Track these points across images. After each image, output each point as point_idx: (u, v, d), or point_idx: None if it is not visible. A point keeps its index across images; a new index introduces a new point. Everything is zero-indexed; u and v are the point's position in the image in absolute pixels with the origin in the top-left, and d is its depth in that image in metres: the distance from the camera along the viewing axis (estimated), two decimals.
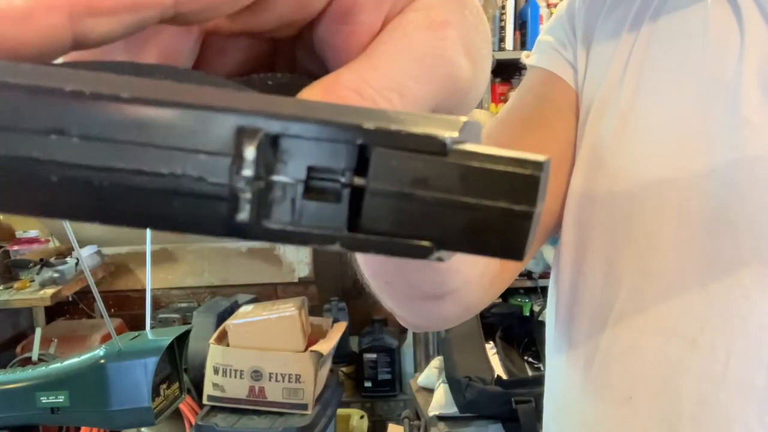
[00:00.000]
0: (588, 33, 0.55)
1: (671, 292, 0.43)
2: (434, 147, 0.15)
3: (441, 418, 1.63)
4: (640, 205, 0.47)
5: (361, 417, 2.71)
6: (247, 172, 0.16)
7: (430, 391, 1.81)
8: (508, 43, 2.96)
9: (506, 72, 3.07)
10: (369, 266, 0.44)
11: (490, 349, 2.29)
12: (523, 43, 2.97)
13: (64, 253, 2.98)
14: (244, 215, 0.16)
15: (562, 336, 0.52)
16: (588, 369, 0.48)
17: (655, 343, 0.44)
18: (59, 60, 0.18)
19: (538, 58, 0.62)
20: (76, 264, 2.75)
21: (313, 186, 0.16)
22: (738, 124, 0.42)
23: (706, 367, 0.41)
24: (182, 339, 1.24)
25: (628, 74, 0.50)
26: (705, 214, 0.41)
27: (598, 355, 0.48)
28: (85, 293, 3.10)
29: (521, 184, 0.16)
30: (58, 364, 1.17)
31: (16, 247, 2.96)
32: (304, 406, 2.08)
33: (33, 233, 3.09)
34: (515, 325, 1.96)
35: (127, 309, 3.22)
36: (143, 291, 1.28)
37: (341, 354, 2.75)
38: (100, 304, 1.14)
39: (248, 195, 0.16)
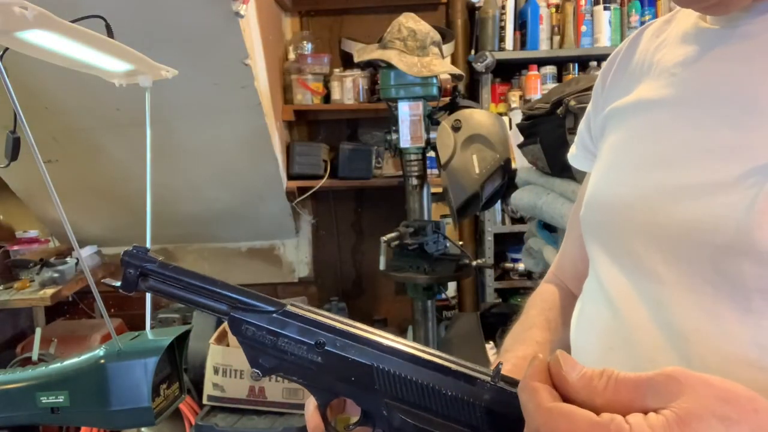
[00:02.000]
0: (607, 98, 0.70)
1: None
2: None
3: None
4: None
5: None
6: None
7: None
8: (508, 43, 2.96)
9: (506, 72, 3.08)
10: None
11: (490, 349, 2.28)
12: (523, 43, 2.97)
13: (64, 253, 2.98)
14: None
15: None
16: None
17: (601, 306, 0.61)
18: None
19: (570, 156, 0.80)
20: (76, 264, 2.74)
21: None
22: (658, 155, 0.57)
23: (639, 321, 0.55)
24: (182, 339, 1.23)
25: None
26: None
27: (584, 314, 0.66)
28: (85, 293, 3.10)
29: None
30: (58, 364, 1.17)
31: (16, 247, 2.96)
32: (305, 406, 2.08)
33: (33, 233, 3.09)
34: None
35: (127, 309, 3.22)
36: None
37: None
38: (100, 304, 1.14)
39: None
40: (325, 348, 0.46)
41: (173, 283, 0.49)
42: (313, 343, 0.46)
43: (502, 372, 0.44)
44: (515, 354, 0.69)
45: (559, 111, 1.56)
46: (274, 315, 0.47)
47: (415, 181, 2.39)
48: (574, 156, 0.80)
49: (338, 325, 0.47)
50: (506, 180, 2.17)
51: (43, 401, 1.13)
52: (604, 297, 0.61)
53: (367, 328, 0.47)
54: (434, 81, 2.29)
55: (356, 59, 2.45)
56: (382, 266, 2.17)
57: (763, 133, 0.48)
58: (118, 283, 0.50)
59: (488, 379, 0.43)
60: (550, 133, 1.69)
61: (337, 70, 3.01)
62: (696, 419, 0.33)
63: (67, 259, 2.80)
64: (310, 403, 0.48)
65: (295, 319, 0.47)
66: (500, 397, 0.43)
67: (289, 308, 0.47)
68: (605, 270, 0.62)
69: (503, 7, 2.96)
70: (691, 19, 0.60)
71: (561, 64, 3.02)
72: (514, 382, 0.43)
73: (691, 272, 0.51)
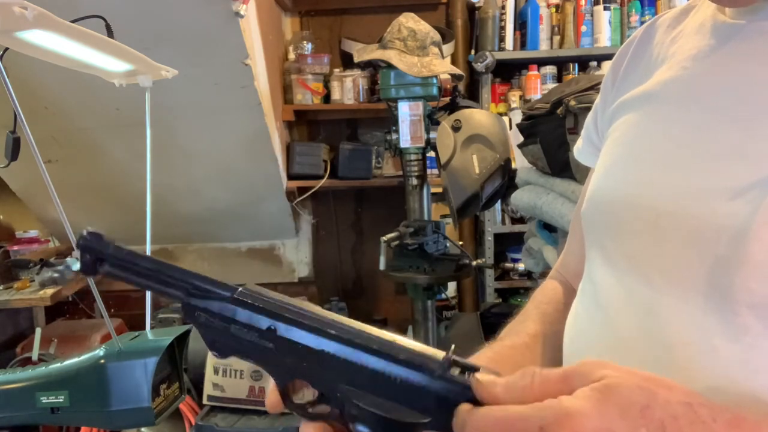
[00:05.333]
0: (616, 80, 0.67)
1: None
2: None
3: None
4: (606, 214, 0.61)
5: None
6: None
7: None
8: (508, 43, 2.96)
9: (506, 72, 3.08)
10: None
11: None
12: (523, 43, 2.97)
13: (64, 253, 2.98)
14: None
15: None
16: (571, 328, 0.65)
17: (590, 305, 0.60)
18: None
19: (576, 150, 0.78)
20: None
21: None
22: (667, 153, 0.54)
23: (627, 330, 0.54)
24: (182, 339, 1.23)
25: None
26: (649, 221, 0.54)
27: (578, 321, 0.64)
28: (85, 293, 3.10)
29: None
30: (58, 364, 1.17)
31: (16, 247, 2.96)
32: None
33: (33, 233, 3.09)
34: None
35: (127, 309, 3.22)
36: (143, 291, 1.28)
37: None
38: (100, 304, 1.14)
39: None
40: (276, 334, 0.47)
41: (130, 267, 0.48)
42: (263, 329, 0.47)
43: (486, 356, 0.43)
44: (502, 343, 0.68)
45: (559, 111, 1.56)
46: (226, 301, 0.47)
47: (415, 181, 2.39)
48: (579, 150, 0.77)
49: (288, 310, 0.48)
50: (506, 180, 2.17)
51: (43, 401, 1.13)
52: (596, 301, 0.59)
53: (320, 312, 0.48)
54: (434, 81, 2.29)
55: (356, 59, 2.45)
56: (382, 266, 2.17)
57: (763, 137, 0.46)
58: (77, 267, 0.49)
59: (436, 367, 0.43)
60: (550, 133, 1.69)
61: (337, 70, 3.01)
62: (620, 386, 0.37)
63: (67, 259, 2.80)
64: (270, 383, 0.49)
65: (245, 306, 0.47)
66: (446, 385, 0.43)
67: (240, 293, 0.48)
68: (600, 272, 0.60)
69: (503, 7, 2.96)
70: (709, 10, 0.57)
71: (561, 64, 3.02)
72: (466, 366, 0.44)
73: (686, 281, 0.49)
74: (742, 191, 0.46)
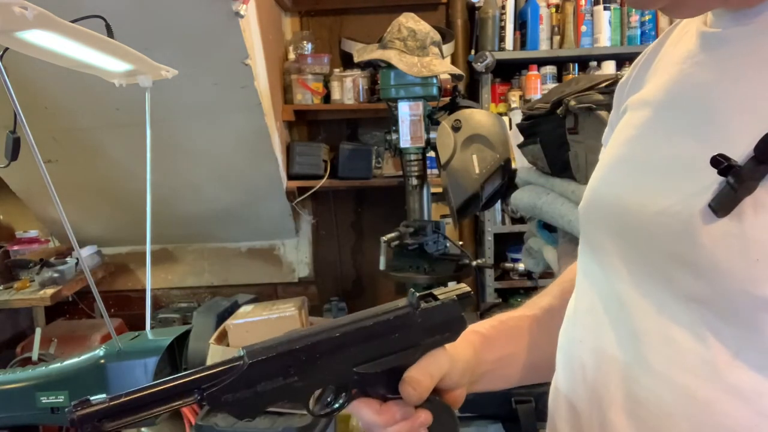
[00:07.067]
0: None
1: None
2: None
3: None
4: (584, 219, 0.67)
5: None
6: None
7: None
8: (508, 43, 2.96)
9: (506, 72, 3.08)
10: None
11: None
12: (523, 43, 2.97)
13: (64, 253, 2.98)
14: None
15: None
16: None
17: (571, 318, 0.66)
18: None
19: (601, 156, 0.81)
20: (76, 264, 2.74)
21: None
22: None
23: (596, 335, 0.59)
24: (182, 339, 1.23)
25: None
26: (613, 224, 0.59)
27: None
28: (85, 293, 3.10)
29: None
30: (58, 364, 1.17)
31: (16, 247, 2.96)
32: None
33: (33, 233, 3.09)
34: None
35: (127, 309, 3.22)
36: (143, 291, 1.28)
37: None
38: (100, 304, 1.14)
39: None
40: (295, 367, 0.53)
41: (132, 407, 0.48)
42: (284, 371, 0.53)
43: (490, 324, 0.65)
44: (511, 314, 0.76)
45: (559, 111, 1.56)
46: (242, 371, 0.51)
47: (415, 181, 2.39)
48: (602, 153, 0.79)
49: (291, 342, 0.54)
50: (506, 180, 2.17)
51: (43, 401, 1.13)
52: (582, 289, 0.64)
53: (310, 329, 0.56)
54: (434, 81, 2.29)
55: (356, 59, 2.45)
56: (382, 266, 2.17)
57: (713, 147, 0.47)
58: None
59: (407, 310, 0.58)
60: (550, 133, 1.69)
61: (337, 70, 3.01)
62: None
63: (67, 259, 2.80)
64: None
65: (264, 363, 0.52)
66: (420, 317, 0.58)
67: (251, 355, 0.52)
68: (586, 262, 0.64)
69: (503, 7, 2.96)
70: (702, 17, 0.58)
71: (561, 64, 3.02)
72: (433, 296, 0.59)
73: (646, 274, 0.53)
74: (685, 196, 0.49)
